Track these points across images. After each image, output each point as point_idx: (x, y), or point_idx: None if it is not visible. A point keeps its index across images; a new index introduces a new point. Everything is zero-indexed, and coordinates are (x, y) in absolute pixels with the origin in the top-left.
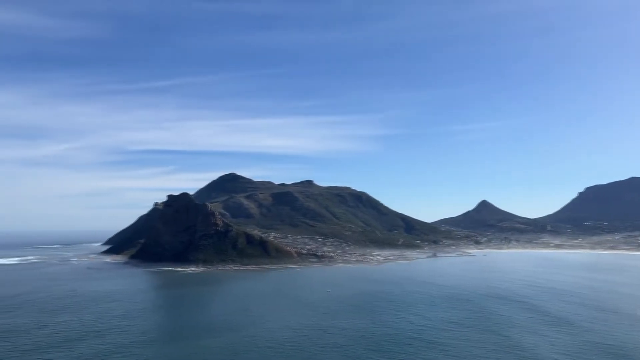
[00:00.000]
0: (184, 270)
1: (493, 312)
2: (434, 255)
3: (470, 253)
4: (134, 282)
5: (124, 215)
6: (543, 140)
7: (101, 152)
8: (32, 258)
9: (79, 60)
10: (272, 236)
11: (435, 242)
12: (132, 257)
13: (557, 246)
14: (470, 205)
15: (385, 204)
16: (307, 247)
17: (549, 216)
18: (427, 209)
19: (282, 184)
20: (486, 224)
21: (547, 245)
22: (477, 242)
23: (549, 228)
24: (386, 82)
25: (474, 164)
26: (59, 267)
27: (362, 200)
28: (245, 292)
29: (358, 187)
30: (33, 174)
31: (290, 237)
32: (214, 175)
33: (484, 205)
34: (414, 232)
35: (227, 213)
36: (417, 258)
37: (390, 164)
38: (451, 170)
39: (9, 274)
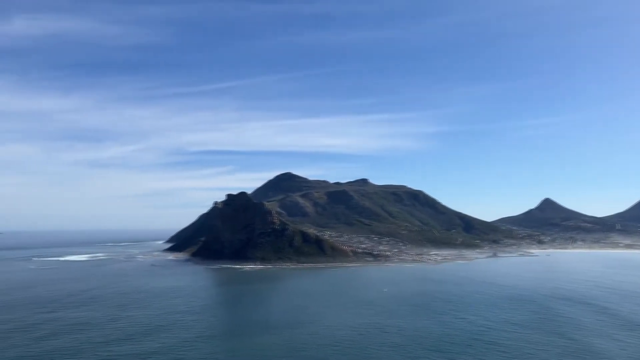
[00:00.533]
0: (242, 268)
1: (558, 314)
2: (495, 255)
3: (532, 253)
4: (196, 279)
5: (186, 214)
6: (610, 135)
7: (163, 154)
8: (100, 255)
9: (140, 65)
10: (327, 235)
11: (495, 242)
12: (194, 254)
13: (628, 246)
14: (532, 203)
15: (443, 203)
16: (362, 245)
17: (618, 214)
18: (486, 207)
19: (337, 183)
20: (550, 222)
21: (616, 246)
22: (540, 242)
23: (618, 227)
24: (442, 78)
25: (536, 161)
26: (125, 263)
27: (419, 199)
28: (302, 289)
29: (414, 185)
30: (100, 175)
31: (346, 236)
32: (271, 175)
33: (547, 204)
34: (473, 232)
35: (283, 212)
36: (476, 258)
37: (447, 162)
38: (512, 167)
39: (80, 271)
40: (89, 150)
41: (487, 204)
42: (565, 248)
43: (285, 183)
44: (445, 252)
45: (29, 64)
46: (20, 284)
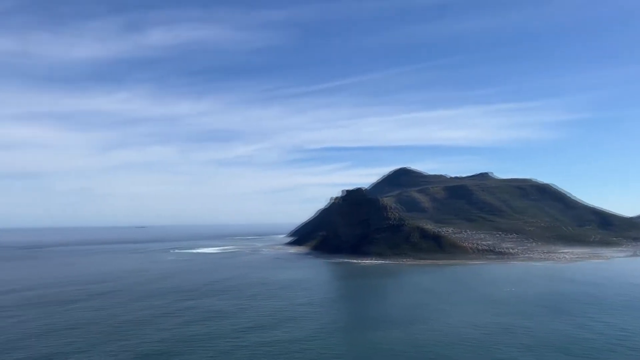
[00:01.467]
0: (359, 262)
1: None
2: (636, 254)
3: None
4: (316, 272)
5: (305, 209)
6: None
7: (284, 152)
8: (229, 248)
9: (262, 67)
10: (446, 231)
11: (637, 240)
12: (313, 248)
13: None
14: None
15: (574, 197)
16: (484, 242)
17: None
18: (626, 201)
19: (456, 177)
20: None
21: None
22: None
23: None
24: (568, 62)
25: None
26: (251, 256)
27: (547, 193)
28: (421, 286)
29: (542, 178)
30: (228, 173)
31: (466, 232)
32: (387, 170)
33: None
34: (610, 228)
35: (399, 207)
36: (615, 257)
37: (578, 152)
38: None
39: (212, 262)
40: (218, 150)
41: (626, 198)
42: None
43: (401, 178)
44: (577, 250)
45: (165, 72)
46: (162, 274)
